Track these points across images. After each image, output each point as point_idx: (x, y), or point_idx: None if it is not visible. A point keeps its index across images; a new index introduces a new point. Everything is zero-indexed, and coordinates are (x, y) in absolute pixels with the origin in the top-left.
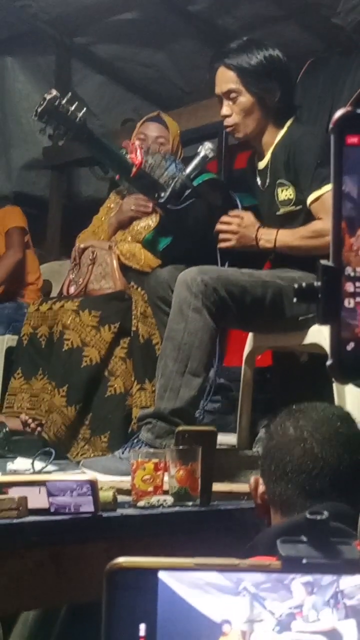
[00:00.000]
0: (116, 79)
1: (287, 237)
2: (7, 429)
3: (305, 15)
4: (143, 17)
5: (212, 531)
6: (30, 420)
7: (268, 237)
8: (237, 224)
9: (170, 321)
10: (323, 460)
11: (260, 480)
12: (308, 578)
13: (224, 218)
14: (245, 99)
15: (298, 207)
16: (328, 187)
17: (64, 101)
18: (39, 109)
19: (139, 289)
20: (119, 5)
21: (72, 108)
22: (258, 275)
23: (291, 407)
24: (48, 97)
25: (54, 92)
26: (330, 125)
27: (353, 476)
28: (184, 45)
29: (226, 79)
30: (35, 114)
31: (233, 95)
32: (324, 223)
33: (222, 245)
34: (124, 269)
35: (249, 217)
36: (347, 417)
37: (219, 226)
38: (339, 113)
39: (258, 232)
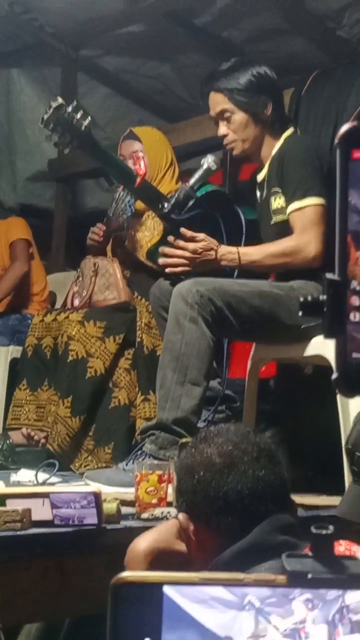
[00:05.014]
0: (122, 92)
1: (252, 254)
2: (10, 441)
3: (310, 28)
4: (149, 30)
5: None
6: (33, 433)
7: (230, 255)
8: (192, 250)
9: (168, 333)
10: (259, 479)
11: (188, 517)
12: (307, 595)
13: (180, 243)
14: (239, 116)
15: (288, 216)
16: (309, 201)
17: (69, 109)
18: (45, 117)
19: (143, 300)
20: (125, 18)
21: (78, 116)
22: (255, 285)
23: (200, 435)
24: (54, 104)
25: (60, 100)
26: (336, 140)
27: (281, 485)
28: (189, 57)
29: (218, 101)
30: (42, 121)
31: (227, 115)
32: (294, 240)
33: (172, 270)
34: (128, 279)
35: (206, 240)
36: (248, 433)
37: (168, 250)
38: (344, 128)
39: (218, 252)
